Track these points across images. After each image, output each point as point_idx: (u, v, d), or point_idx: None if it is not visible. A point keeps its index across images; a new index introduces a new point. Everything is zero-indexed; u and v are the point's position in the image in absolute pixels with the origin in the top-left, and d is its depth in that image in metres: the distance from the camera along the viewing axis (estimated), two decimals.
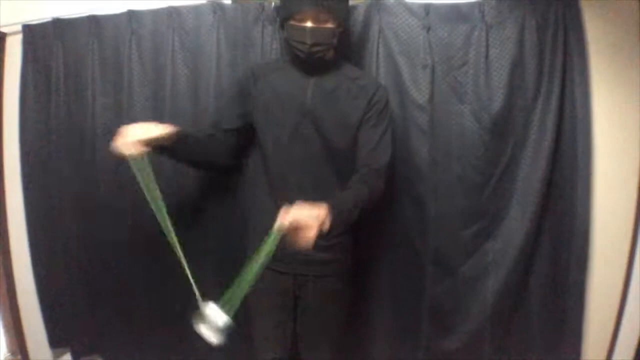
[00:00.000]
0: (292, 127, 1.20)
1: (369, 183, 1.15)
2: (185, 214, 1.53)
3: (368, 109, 1.21)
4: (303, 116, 1.20)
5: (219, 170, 1.45)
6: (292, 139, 1.20)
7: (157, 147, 1.13)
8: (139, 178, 1.08)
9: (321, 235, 0.97)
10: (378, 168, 1.18)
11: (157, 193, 1.09)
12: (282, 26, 1.23)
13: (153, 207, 1.09)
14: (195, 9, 1.49)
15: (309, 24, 1.14)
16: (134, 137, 1.09)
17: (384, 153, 1.20)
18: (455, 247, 1.44)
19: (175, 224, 1.14)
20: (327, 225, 0.98)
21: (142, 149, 1.09)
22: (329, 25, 1.16)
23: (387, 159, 1.20)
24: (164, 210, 1.10)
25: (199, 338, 1.68)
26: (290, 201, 1.17)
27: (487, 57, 1.36)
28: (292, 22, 1.16)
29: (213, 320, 0.95)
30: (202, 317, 0.96)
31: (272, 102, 1.23)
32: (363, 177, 1.16)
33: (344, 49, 1.33)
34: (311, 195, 1.18)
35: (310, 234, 0.94)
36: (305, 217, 0.95)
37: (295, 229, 0.94)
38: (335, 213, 1.00)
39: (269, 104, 1.23)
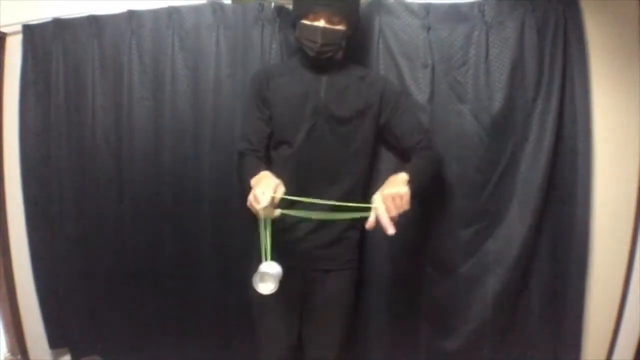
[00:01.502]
0: (308, 127, 1.21)
1: (431, 153, 1.25)
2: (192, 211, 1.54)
3: (382, 103, 1.25)
4: (318, 115, 1.22)
5: None
6: (308, 139, 1.22)
7: None
8: (263, 235, 1.07)
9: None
10: (427, 144, 1.27)
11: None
12: (293, 25, 1.24)
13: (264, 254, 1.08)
14: (195, 9, 1.49)
15: (321, 23, 1.16)
16: (269, 199, 1.00)
17: (422, 130, 1.29)
18: (455, 247, 1.44)
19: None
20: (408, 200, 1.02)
21: (277, 211, 1.04)
22: (341, 27, 1.18)
23: (424, 133, 1.29)
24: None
25: (198, 338, 1.68)
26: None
27: (487, 57, 1.36)
28: (304, 22, 1.18)
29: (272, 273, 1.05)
30: (263, 276, 1.06)
31: (287, 104, 1.24)
32: (422, 151, 1.24)
33: (350, 50, 1.33)
34: (327, 193, 1.19)
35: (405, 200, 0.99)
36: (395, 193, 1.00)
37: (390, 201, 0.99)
38: (415, 184, 1.06)
39: (284, 106, 1.24)
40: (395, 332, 1.49)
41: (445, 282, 1.45)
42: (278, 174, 1.22)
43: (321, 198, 1.19)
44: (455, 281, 1.45)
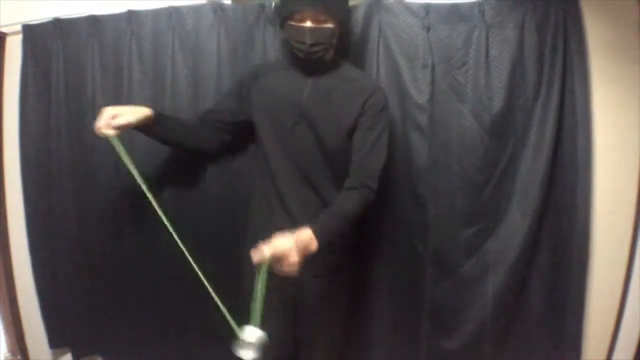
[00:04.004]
0: (289, 127, 1.21)
1: (360, 191, 1.15)
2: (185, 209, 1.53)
3: (363, 112, 1.20)
4: (299, 116, 1.21)
5: (201, 156, 1.46)
6: (289, 139, 1.21)
7: (135, 129, 1.20)
8: (121, 155, 1.16)
9: (312, 256, 1.03)
10: (370, 173, 1.17)
11: (135, 170, 1.17)
12: (281, 26, 1.24)
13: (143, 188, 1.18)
14: (195, 9, 1.49)
15: (308, 24, 1.15)
16: (107, 120, 1.14)
17: (376, 157, 1.19)
18: (455, 247, 1.44)
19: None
20: (314, 247, 1.02)
21: (115, 131, 1.14)
22: (329, 25, 1.17)
23: (380, 164, 1.18)
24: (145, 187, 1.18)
25: (199, 338, 1.68)
26: (288, 199, 1.19)
27: (487, 57, 1.36)
28: (291, 22, 1.17)
29: (251, 341, 1.04)
30: (241, 343, 1.04)
31: (271, 102, 1.24)
32: (354, 185, 1.16)
33: (344, 49, 1.33)
34: (307, 195, 1.20)
35: (292, 261, 0.98)
36: (283, 247, 0.98)
37: (277, 260, 0.98)
38: (322, 233, 1.04)
39: (268, 104, 1.24)
40: (396, 332, 1.50)
41: (445, 282, 1.46)
42: (259, 176, 1.28)
43: (300, 204, 1.21)
44: (455, 281, 1.45)
